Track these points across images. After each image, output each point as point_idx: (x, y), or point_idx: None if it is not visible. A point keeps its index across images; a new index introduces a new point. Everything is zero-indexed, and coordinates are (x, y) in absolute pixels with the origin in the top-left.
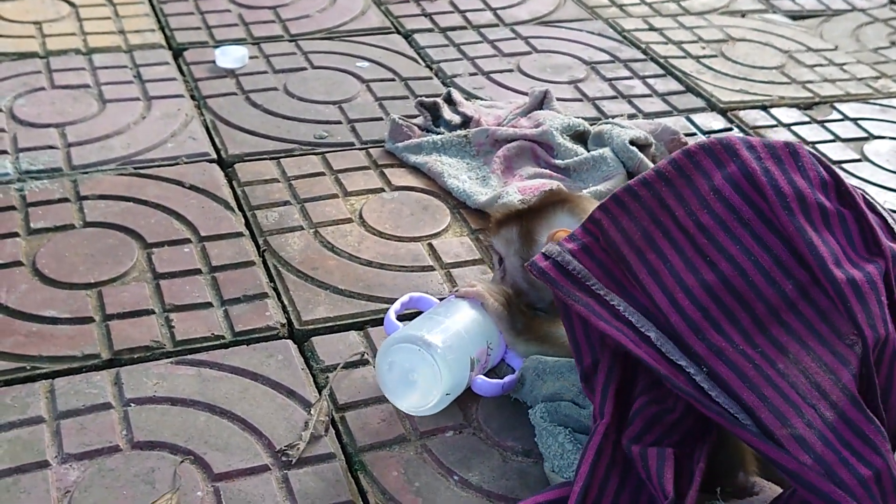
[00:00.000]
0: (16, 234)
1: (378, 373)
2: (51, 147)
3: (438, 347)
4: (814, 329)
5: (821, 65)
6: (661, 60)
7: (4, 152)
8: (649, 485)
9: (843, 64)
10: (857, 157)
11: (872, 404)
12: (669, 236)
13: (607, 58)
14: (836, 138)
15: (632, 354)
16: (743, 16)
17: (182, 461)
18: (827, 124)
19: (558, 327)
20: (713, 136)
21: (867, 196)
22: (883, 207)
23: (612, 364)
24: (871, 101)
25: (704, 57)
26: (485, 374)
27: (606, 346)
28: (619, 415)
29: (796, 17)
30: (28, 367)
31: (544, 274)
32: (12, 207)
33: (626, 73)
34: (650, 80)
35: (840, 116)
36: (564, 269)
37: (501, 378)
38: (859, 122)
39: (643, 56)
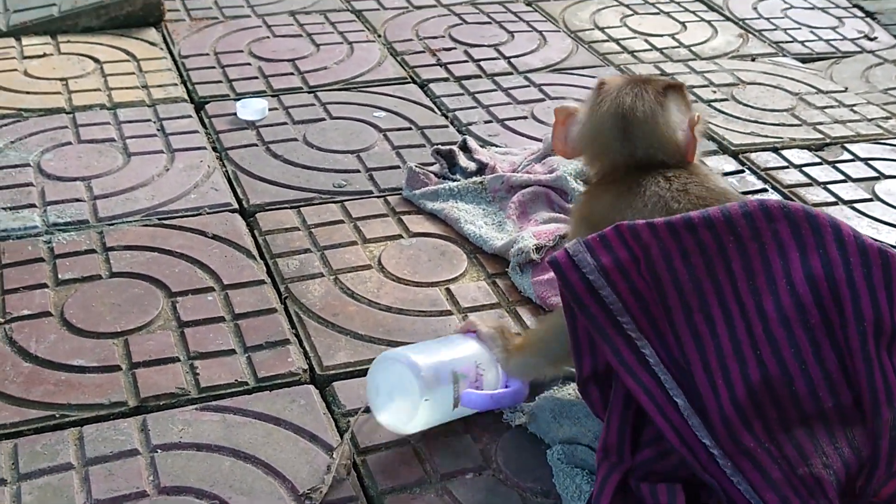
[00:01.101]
0: (44, 286)
1: (368, 398)
2: (77, 200)
3: (410, 356)
4: (832, 433)
5: (831, 106)
6: None
7: (33, 206)
8: None
9: (853, 105)
10: (869, 196)
11: None
12: (724, 305)
13: None
14: (848, 178)
15: (658, 429)
16: (753, 59)
17: None
18: (838, 165)
19: (546, 336)
20: (800, 204)
21: None
22: None
23: (627, 404)
24: (882, 141)
25: (715, 101)
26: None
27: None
28: (635, 452)
29: (806, 59)
30: (57, 416)
31: (572, 292)
32: (41, 259)
33: None
34: None
35: (851, 157)
36: (597, 293)
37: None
38: (870, 162)
39: None
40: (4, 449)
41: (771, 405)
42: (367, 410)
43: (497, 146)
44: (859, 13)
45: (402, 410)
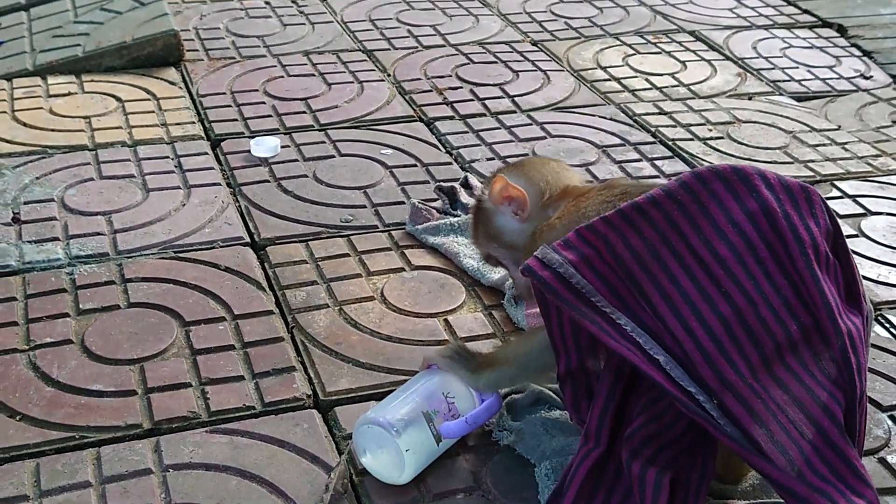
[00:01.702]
0: (66, 315)
1: (362, 462)
2: (98, 234)
3: (379, 418)
4: (809, 370)
5: (823, 144)
6: (670, 143)
7: (56, 239)
8: None
9: (845, 143)
10: (855, 232)
11: (855, 444)
12: (682, 261)
13: (618, 141)
14: (836, 214)
15: (642, 374)
16: (750, 98)
17: None
18: (826, 202)
19: (509, 348)
20: (728, 164)
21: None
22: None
23: (613, 388)
24: (871, 178)
25: (711, 139)
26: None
27: (610, 366)
28: (613, 439)
29: (802, 98)
30: (77, 437)
31: (546, 285)
32: (63, 290)
33: (636, 156)
34: (658, 162)
35: (839, 194)
36: (567, 282)
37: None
38: (858, 199)
39: (652, 139)
40: (27, 468)
41: (747, 339)
42: (350, 455)
43: None
44: (857, 52)
45: (392, 465)
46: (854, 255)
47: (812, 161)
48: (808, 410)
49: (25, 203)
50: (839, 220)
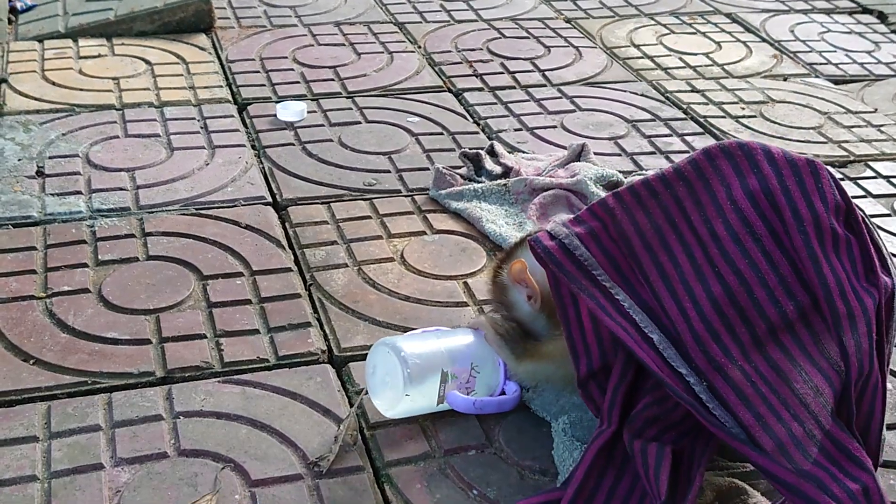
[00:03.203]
0: (85, 265)
1: (366, 376)
2: (121, 189)
3: (404, 352)
4: (806, 351)
5: (859, 126)
6: (701, 120)
7: (79, 192)
8: (645, 482)
9: (881, 125)
10: (888, 212)
11: (850, 428)
12: (682, 239)
13: (648, 116)
14: (868, 194)
15: (634, 354)
16: (785, 79)
17: (223, 468)
18: (860, 181)
19: (556, 344)
20: (735, 139)
21: (867, 221)
22: (880, 237)
23: (626, 368)
24: None
25: (744, 117)
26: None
27: (620, 349)
28: (624, 419)
29: (838, 81)
30: (89, 382)
31: (549, 255)
32: (83, 241)
33: (666, 131)
34: (688, 138)
35: (873, 174)
36: (571, 253)
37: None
38: (892, 179)
39: (683, 115)
40: (38, 410)
41: (739, 320)
42: (361, 409)
43: (524, 152)
44: None
45: (388, 397)
46: (886, 234)
47: (846, 141)
48: (799, 393)
49: (50, 158)
50: (850, 196)
